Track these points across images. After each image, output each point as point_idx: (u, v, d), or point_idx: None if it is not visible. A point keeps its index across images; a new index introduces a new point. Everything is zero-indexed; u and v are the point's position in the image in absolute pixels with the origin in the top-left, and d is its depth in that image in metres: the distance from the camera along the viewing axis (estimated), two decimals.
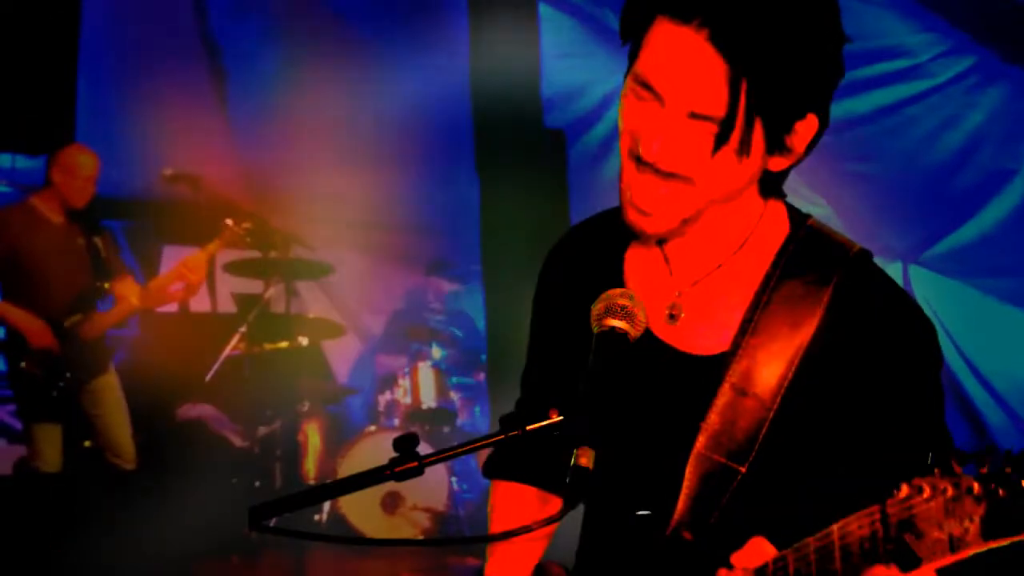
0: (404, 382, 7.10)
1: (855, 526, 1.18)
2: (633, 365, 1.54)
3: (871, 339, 1.44)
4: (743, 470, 1.45)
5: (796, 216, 1.58)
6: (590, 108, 7.06)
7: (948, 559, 1.10)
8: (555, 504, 1.83)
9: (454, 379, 7.36)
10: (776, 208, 1.59)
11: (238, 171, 7.62)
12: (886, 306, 1.47)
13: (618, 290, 1.48)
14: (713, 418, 1.47)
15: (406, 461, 1.36)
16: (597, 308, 1.46)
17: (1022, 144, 6.37)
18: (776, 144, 1.43)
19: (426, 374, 7.11)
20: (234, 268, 6.72)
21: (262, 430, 6.59)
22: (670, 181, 1.43)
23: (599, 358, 1.41)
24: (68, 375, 5.39)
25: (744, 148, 1.39)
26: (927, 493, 1.11)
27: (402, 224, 8.42)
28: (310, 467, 6.98)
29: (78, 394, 5.47)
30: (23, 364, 5.30)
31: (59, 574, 4.27)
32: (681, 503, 1.47)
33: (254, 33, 7.15)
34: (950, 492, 1.09)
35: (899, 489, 1.14)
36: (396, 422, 6.99)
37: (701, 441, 1.47)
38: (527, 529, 1.38)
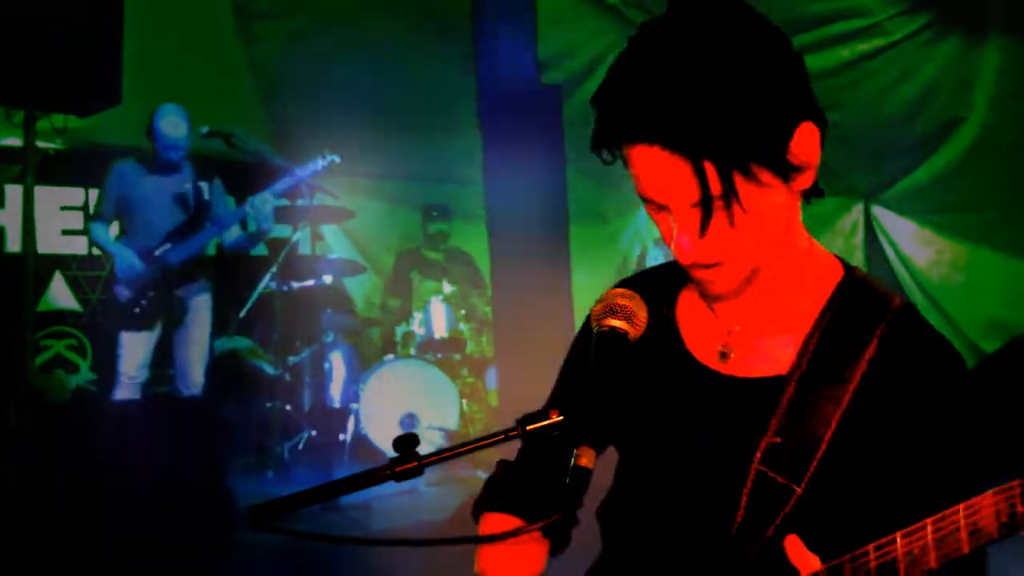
0: (419, 315, 7.41)
1: (990, 501, 1.14)
2: (687, 392, 1.54)
3: (915, 382, 1.43)
4: (799, 490, 1.42)
5: (846, 264, 1.58)
6: (581, 68, 7.09)
7: None
8: (545, 542, 1.76)
9: (463, 312, 7.59)
10: (822, 250, 1.57)
11: (266, 129, 7.93)
12: (929, 353, 1.46)
13: (619, 290, 1.46)
14: (772, 436, 1.45)
15: (406, 461, 1.33)
16: (597, 308, 1.44)
17: (970, 94, 6.58)
18: (784, 170, 1.38)
19: (438, 307, 7.40)
20: None
21: (292, 359, 6.89)
22: (717, 267, 1.44)
23: (599, 359, 1.39)
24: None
25: (738, 201, 1.36)
26: None
27: (414, 174, 8.61)
28: (335, 392, 7.27)
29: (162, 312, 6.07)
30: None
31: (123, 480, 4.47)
32: (739, 519, 1.45)
33: (279, 6, 7.31)
34: None
35: None
36: (412, 351, 7.27)
37: (759, 458, 1.45)
38: (528, 529, 1.38)
